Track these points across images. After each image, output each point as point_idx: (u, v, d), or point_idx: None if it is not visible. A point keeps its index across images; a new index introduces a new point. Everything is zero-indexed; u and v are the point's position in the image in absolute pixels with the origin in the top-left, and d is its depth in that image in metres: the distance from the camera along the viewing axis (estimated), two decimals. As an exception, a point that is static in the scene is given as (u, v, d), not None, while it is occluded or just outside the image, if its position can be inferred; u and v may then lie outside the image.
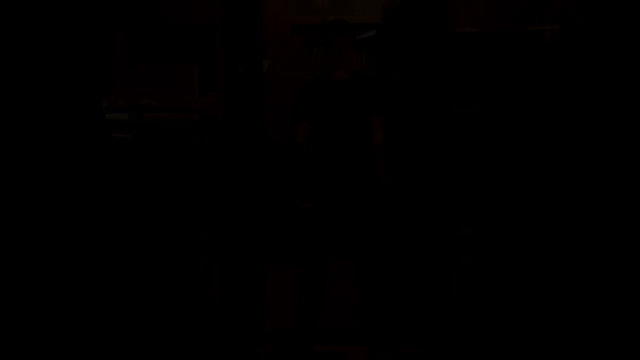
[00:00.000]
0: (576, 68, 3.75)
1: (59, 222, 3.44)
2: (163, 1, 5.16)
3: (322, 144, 3.53)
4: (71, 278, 3.50)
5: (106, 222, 3.61)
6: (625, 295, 3.53)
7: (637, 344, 3.40)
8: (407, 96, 3.95)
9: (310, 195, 3.60)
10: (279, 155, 5.06)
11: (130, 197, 3.79)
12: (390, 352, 3.65)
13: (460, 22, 4.45)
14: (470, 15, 4.96)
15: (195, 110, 4.21)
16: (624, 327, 3.52)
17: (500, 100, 3.83)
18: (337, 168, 3.51)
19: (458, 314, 3.82)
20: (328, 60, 3.58)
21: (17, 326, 3.45)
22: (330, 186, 3.53)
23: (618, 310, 3.54)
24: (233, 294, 3.83)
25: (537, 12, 4.77)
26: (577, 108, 3.73)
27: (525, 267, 3.82)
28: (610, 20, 3.76)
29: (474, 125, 3.87)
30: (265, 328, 3.91)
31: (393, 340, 3.71)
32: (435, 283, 3.83)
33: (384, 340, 3.59)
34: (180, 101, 3.93)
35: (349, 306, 4.35)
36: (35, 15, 3.40)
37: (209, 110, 4.21)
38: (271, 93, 5.20)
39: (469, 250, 3.86)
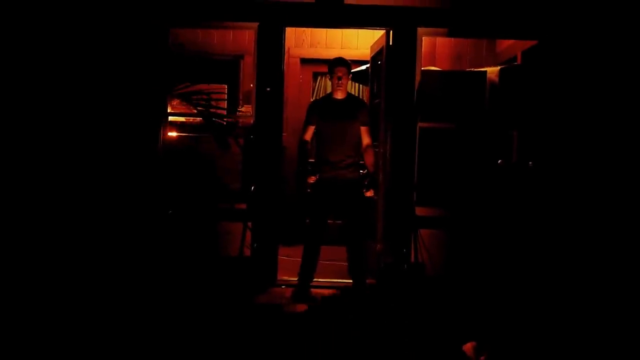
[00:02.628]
0: (508, 96, 4.76)
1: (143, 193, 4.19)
2: (207, 41, 6.02)
3: (324, 141, 4.59)
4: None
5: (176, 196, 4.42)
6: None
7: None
8: (387, 112, 4.73)
9: (314, 172, 4.53)
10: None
11: (191, 178, 4.65)
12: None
13: (425, 64, 5.27)
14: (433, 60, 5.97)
15: (236, 117, 4.99)
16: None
17: (451, 117, 4.72)
18: (333, 157, 4.55)
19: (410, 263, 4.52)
20: (331, 84, 4.62)
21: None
22: (328, 169, 4.55)
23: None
24: (259, 247, 4.68)
25: (485, 60, 5.91)
26: (503, 124, 4.84)
27: (464, 238, 4.59)
28: (536, 65, 4.83)
29: (433, 135, 4.71)
30: (277, 276, 4.83)
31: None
32: (398, 245, 4.63)
33: (361, 282, 4.58)
34: (222, 110, 4.60)
35: (336, 271, 5.10)
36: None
37: (244, 116, 4.96)
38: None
39: (425, 224, 4.62)
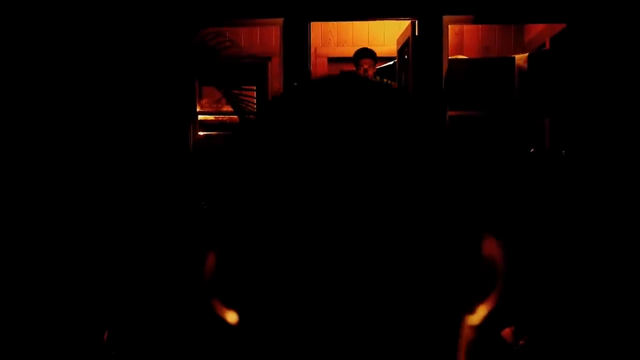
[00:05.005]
0: (538, 83, 4.77)
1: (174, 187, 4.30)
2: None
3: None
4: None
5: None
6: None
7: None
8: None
9: None
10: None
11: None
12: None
13: (453, 52, 5.29)
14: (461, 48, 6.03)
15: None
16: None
17: (480, 105, 4.77)
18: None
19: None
20: (357, 76, 4.72)
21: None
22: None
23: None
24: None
25: (513, 50, 5.91)
26: (534, 112, 4.85)
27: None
28: (566, 49, 4.84)
29: (463, 123, 4.73)
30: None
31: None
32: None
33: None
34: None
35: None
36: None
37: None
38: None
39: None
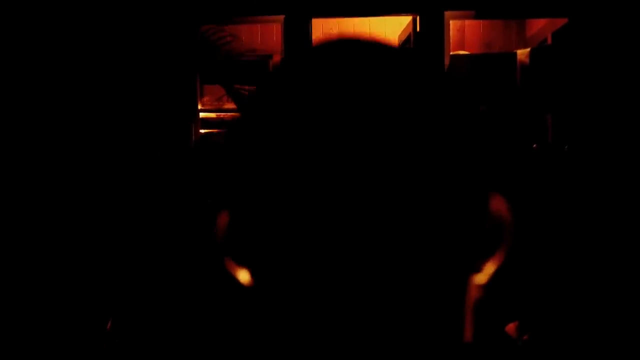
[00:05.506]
0: (540, 78, 4.76)
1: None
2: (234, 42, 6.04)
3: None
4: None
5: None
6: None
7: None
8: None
9: None
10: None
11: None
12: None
13: (454, 48, 5.30)
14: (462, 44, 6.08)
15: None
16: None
17: (482, 101, 4.70)
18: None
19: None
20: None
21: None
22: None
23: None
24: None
25: (515, 46, 5.92)
26: (536, 107, 4.84)
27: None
28: (568, 44, 4.86)
29: None
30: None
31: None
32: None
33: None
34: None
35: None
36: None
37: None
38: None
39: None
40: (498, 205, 0.55)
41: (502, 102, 4.74)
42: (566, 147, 4.63)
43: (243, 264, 0.53)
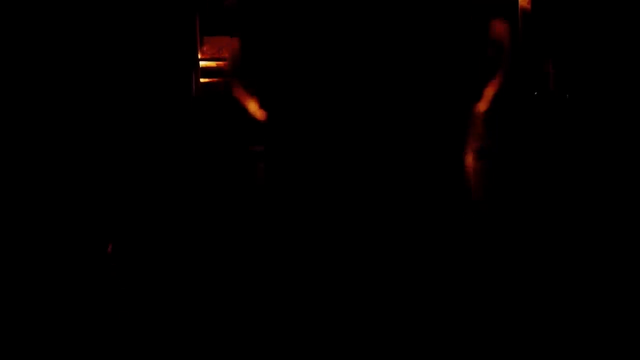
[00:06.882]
0: (542, 23, 4.70)
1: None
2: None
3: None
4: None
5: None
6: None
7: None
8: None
9: None
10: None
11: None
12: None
13: None
14: None
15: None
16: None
17: None
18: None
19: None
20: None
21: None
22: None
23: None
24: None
25: None
26: (538, 54, 4.75)
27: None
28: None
29: None
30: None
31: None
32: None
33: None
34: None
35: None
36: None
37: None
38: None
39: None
40: (499, 28, 0.55)
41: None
42: (567, 95, 4.59)
43: (252, 87, 0.50)
